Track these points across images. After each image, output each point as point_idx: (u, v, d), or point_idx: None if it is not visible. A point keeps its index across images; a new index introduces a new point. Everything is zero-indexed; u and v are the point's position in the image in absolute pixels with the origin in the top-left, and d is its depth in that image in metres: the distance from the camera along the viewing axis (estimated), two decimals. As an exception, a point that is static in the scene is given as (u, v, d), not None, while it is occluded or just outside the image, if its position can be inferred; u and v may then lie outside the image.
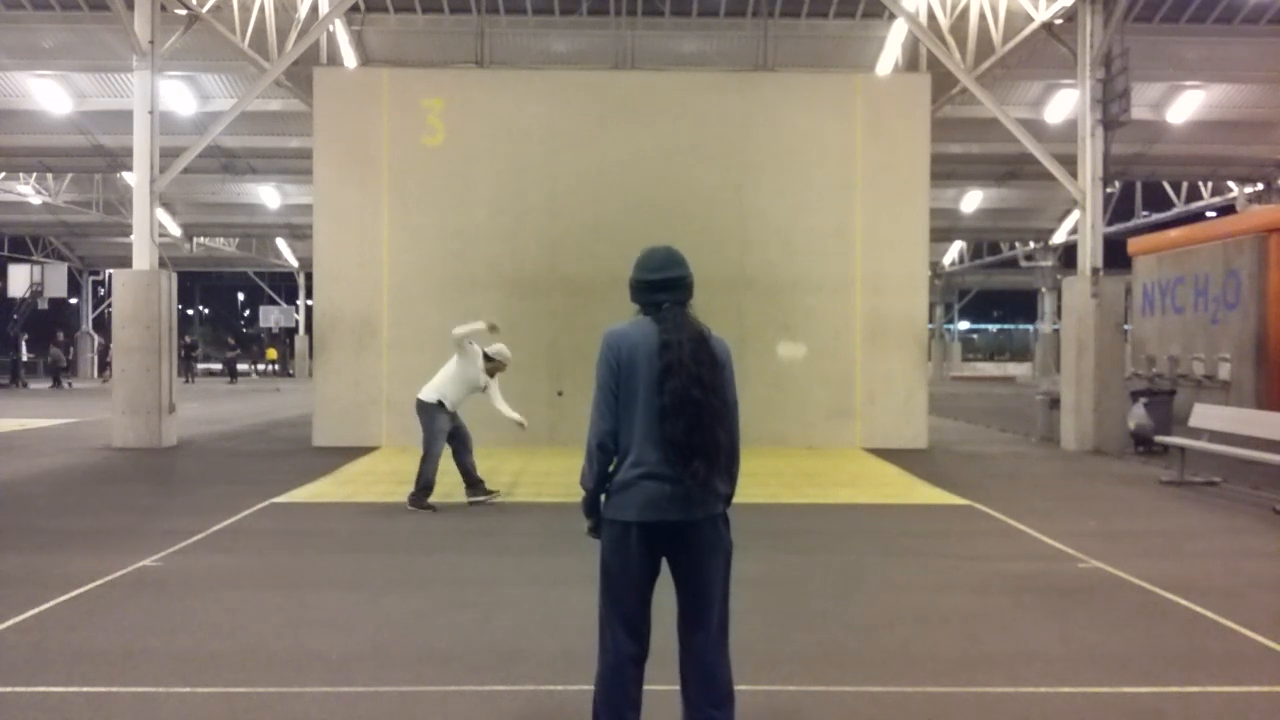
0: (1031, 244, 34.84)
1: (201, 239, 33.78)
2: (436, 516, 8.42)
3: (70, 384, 30.72)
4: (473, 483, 8.88)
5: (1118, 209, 26.61)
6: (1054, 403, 14.37)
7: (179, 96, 18.14)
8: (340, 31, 16.60)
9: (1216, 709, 4.16)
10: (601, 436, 3.22)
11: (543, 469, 11.14)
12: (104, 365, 32.39)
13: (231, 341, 42.41)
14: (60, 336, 32.97)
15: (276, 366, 42.70)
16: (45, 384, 30.69)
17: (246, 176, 25.04)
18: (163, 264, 13.86)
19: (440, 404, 8.60)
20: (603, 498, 3.30)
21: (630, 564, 3.21)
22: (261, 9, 15.47)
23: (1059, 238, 32.10)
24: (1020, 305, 48.84)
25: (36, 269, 34.23)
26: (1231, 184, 24.41)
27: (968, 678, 4.45)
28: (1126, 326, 17.64)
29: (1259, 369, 16.42)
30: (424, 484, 8.58)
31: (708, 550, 3.23)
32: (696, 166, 13.83)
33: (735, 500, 3.33)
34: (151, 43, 13.01)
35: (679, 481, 3.13)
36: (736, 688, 3.19)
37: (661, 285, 3.29)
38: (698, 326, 3.24)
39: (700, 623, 3.25)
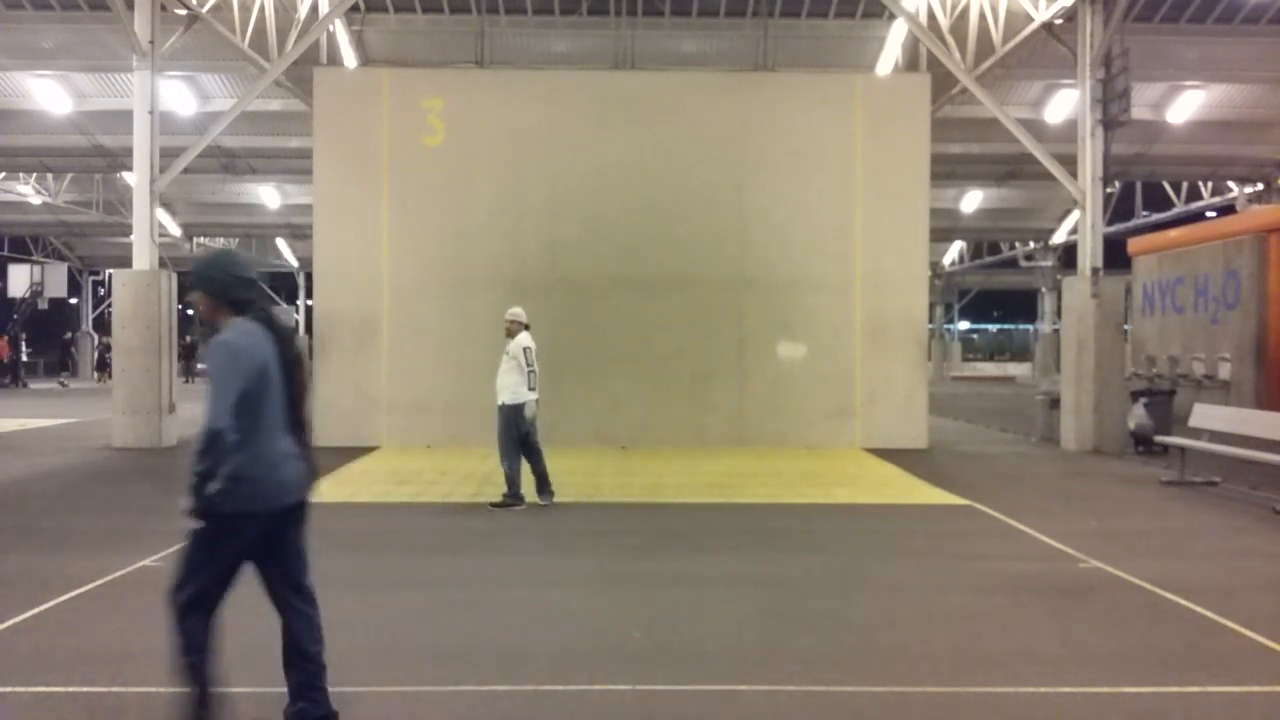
0: (1031, 244, 34.79)
1: (201, 239, 33.73)
2: (436, 516, 8.47)
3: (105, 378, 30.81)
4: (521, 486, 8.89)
5: (1118, 209, 26.56)
6: (1054, 403, 14.37)
7: (179, 96, 18.11)
8: (340, 31, 16.58)
9: (1216, 709, 4.16)
10: (228, 427, 3.28)
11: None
12: (103, 365, 32.35)
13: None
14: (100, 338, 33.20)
15: None
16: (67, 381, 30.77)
17: (246, 176, 25.00)
18: (163, 264, 13.85)
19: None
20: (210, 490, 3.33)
21: (243, 552, 3.45)
22: (261, 9, 15.45)
23: (1059, 238, 32.06)
24: (1020, 305, 48.76)
25: (36, 269, 34.17)
26: (1231, 184, 24.37)
27: (968, 678, 4.45)
28: (1126, 326, 17.64)
29: (1259, 369, 16.43)
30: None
31: (305, 520, 3.59)
32: (696, 166, 13.83)
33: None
34: (151, 43, 13.00)
35: (304, 462, 3.53)
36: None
37: (253, 283, 3.57)
38: (285, 321, 3.56)
39: (306, 581, 3.61)
